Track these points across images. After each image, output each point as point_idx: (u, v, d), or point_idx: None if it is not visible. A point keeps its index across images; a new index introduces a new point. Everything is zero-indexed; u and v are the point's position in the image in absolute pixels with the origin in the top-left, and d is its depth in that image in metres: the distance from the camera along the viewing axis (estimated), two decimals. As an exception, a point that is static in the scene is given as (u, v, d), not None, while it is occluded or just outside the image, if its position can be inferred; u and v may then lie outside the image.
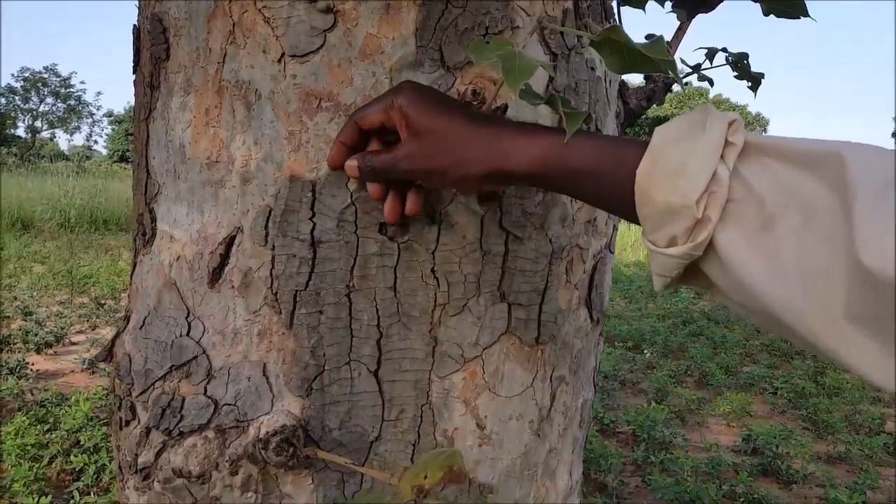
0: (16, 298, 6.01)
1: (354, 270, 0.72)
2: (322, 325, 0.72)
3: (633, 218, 0.57)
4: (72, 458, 3.02)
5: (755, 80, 1.08)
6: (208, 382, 0.73)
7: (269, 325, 0.72)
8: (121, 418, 0.80)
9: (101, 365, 4.33)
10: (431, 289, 0.74)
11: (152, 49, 0.77)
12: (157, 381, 0.75)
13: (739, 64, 1.07)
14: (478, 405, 0.77)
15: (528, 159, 0.60)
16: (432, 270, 0.73)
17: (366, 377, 0.73)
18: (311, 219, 0.71)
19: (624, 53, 0.58)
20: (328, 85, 0.70)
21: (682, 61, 1.07)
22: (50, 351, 4.77)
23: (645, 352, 5.45)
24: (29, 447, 3.09)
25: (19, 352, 4.60)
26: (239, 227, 0.72)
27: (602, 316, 0.90)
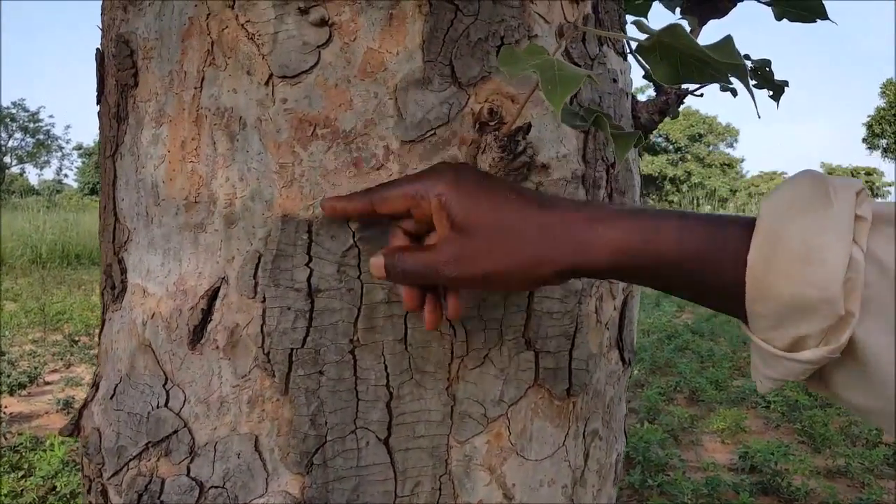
0: (-14, 339, 5.82)
1: (359, 322, 0.62)
2: (323, 387, 0.62)
3: (734, 311, 0.46)
4: (48, 505, 2.88)
5: (777, 89, 1.00)
6: (191, 461, 0.63)
7: (260, 390, 0.62)
8: (90, 503, 0.68)
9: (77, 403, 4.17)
10: (447, 339, 0.64)
11: (118, 75, 0.67)
12: (131, 460, 0.65)
13: (760, 71, 0.99)
14: (504, 472, 0.66)
15: (610, 251, 0.49)
16: (447, 317, 0.64)
17: (375, 446, 0.63)
18: (307, 264, 0.61)
19: (678, 61, 0.49)
20: (324, 109, 0.60)
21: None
22: (23, 392, 4.61)
23: (633, 369, 5.37)
24: (3, 497, 2.93)
25: (-9, 394, 4.43)
26: (223, 278, 0.62)
27: (633, 357, 0.81)
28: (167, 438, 0.63)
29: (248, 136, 0.61)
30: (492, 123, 0.62)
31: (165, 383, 0.64)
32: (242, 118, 0.61)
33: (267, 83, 0.60)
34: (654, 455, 3.62)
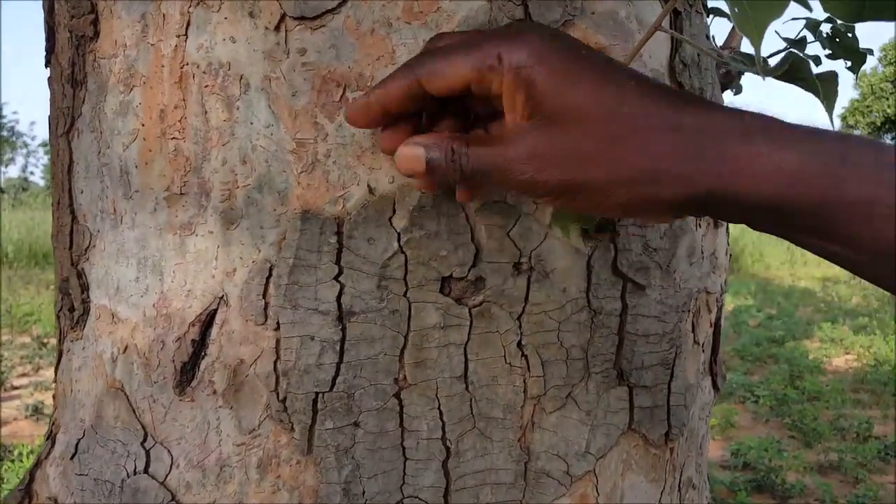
0: (-51, 344, 5.57)
1: (405, 355, 0.46)
2: (358, 444, 0.46)
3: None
4: (13, 526, 2.68)
5: (858, 59, 0.85)
6: (181, 544, 0.46)
7: (274, 449, 0.46)
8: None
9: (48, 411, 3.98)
10: (519, 374, 0.48)
11: (72, 24, 0.50)
12: (97, 539, 0.48)
13: (839, 38, 0.84)
14: (593, 544, 0.51)
15: (777, 180, 0.34)
16: (519, 345, 0.48)
17: (429, 518, 0.47)
18: (336, 278, 0.45)
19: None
20: (356, 63, 0.44)
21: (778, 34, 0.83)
22: (-10, 398, 4.40)
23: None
24: (-34, 514, 2.74)
25: (-45, 403, 4.21)
26: (221, 297, 0.46)
27: (724, 381, 0.66)
28: (146, 516, 0.47)
29: (252, 103, 0.44)
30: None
31: (144, 440, 0.47)
32: (244, 77, 0.44)
33: (277, 28, 0.44)
34: (648, 454, 3.53)
